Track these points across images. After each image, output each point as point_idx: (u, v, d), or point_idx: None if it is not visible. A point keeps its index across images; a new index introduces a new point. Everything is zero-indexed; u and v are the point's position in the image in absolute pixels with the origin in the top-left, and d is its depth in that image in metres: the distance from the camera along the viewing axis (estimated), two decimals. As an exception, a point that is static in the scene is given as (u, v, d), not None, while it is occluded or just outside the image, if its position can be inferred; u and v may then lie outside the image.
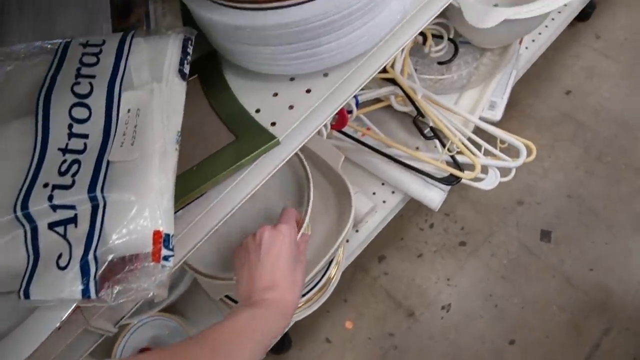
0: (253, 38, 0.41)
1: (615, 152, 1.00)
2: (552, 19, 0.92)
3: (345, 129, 0.76)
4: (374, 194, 0.79)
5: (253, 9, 0.38)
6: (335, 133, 0.76)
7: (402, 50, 0.78)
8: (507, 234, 0.96)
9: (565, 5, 0.86)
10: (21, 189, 0.34)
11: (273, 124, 0.45)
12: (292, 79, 0.47)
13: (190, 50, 0.41)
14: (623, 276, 0.88)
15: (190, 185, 0.38)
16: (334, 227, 0.68)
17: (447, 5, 0.50)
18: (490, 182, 0.69)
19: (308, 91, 0.46)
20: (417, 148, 0.79)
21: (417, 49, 0.81)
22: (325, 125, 0.73)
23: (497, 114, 0.79)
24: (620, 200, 0.95)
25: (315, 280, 0.70)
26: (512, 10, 0.68)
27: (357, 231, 0.78)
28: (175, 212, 0.35)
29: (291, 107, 0.45)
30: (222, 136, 0.44)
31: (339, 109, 0.48)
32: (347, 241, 0.78)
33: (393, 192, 0.79)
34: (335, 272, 0.72)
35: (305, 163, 0.61)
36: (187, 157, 0.39)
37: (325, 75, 0.46)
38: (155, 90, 0.37)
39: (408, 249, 0.99)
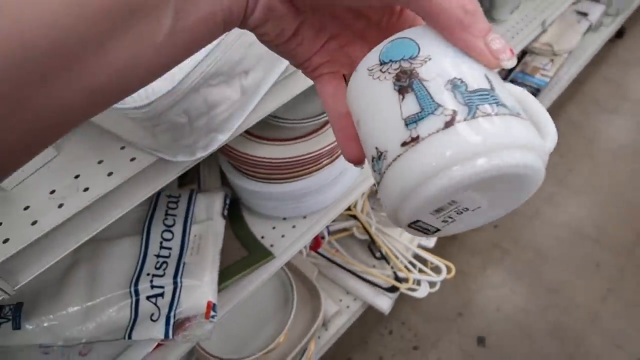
0: (263, 197, 0.75)
1: (531, 273, 1.32)
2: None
3: (320, 250, 1.07)
4: (340, 300, 1.08)
5: (265, 182, 0.73)
6: (312, 252, 1.07)
7: (363, 194, 1.14)
8: (450, 340, 1.22)
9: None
10: (133, 275, 0.63)
11: (271, 245, 0.76)
12: (284, 219, 0.80)
13: (228, 202, 0.74)
14: (541, 377, 1.13)
15: (223, 279, 0.68)
16: (307, 323, 0.95)
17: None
18: (422, 292, 0.99)
19: (293, 227, 0.79)
20: (374, 266, 1.10)
21: (373, 194, 1.16)
22: (305, 247, 1.04)
23: (431, 242, 1.12)
24: (538, 312, 1.24)
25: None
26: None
27: (326, 329, 1.05)
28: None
29: (283, 236, 0.78)
30: (240, 251, 0.75)
31: (314, 236, 0.81)
32: (319, 337, 1.04)
33: (355, 300, 1.07)
34: (307, 363, 0.97)
35: (290, 275, 0.91)
36: (221, 263, 0.70)
37: (304, 217, 0.80)
38: (210, 225, 0.69)
39: (371, 352, 1.23)
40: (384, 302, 1.03)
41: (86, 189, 0.45)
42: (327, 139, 0.70)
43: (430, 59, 0.21)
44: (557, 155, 1.59)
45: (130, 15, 0.19)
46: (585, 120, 1.70)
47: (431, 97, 0.20)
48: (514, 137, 0.19)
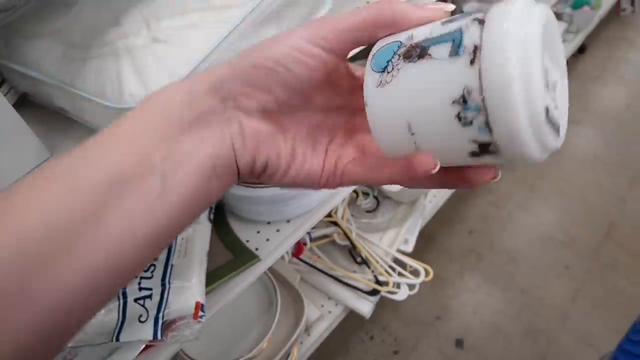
0: (249, 201, 0.77)
1: (505, 277, 1.37)
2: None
3: (302, 257, 1.09)
4: (322, 305, 1.10)
5: (251, 186, 0.75)
6: (295, 259, 1.09)
7: (343, 201, 1.17)
8: (429, 344, 1.25)
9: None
10: (121, 280, 0.64)
11: (256, 249, 0.78)
12: (268, 223, 0.82)
13: (213, 206, 0.76)
14: (517, 376, 1.17)
15: (210, 282, 0.70)
16: (290, 328, 0.97)
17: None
18: (402, 294, 1.02)
19: (278, 231, 0.81)
20: (355, 271, 1.12)
21: (353, 201, 1.20)
22: (287, 252, 1.06)
23: (409, 247, 1.16)
24: (513, 313, 1.29)
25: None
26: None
27: (308, 335, 1.06)
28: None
29: (267, 239, 0.80)
30: (226, 255, 0.77)
31: (298, 239, 0.83)
32: (301, 343, 1.06)
33: (336, 305, 1.10)
34: (290, 368, 0.98)
35: (273, 280, 0.93)
36: (207, 267, 0.71)
37: (288, 221, 0.82)
38: (196, 228, 0.70)
39: (352, 358, 1.25)
40: (365, 306, 1.05)
41: (81, 189, 0.47)
42: (310, 144, 0.73)
43: (413, 34, 0.22)
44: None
45: (121, 187, 0.20)
46: (552, 131, 1.79)
47: (447, 33, 0.21)
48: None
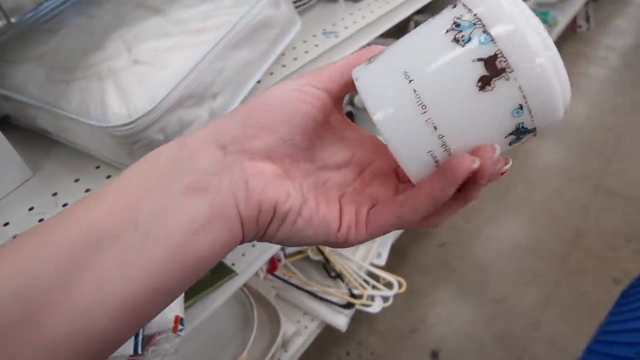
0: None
1: (477, 287, 1.44)
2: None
3: (277, 273, 1.13)
4: (298, 321, 1.13)
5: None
6: (270, 276, 1.13)
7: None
8: (406, 357, 1.30)
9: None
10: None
11: (233, 264, 0.82)
12: (243, 238, 0.86)
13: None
14: (492, 384, 1.23)
15: (188, 297, 0.73)
16: (267, 343, 1.00)
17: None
18: (376, 307, 1.07)
19: (253, 246, 0.85)
20: (329, 286, 1.17)
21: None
22: (262, 269, 1.10)
23: (382, 261, 1.21)
24: (485, 323, 1.36)
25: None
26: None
27: (285, 351, 1.10)
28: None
29: (243, 254, 0.84)
30: (202, 271, 0.80)
31: (273, 254, 0.87)
32: (279, 359, 1.08)
33: (312, 320, 1.13)
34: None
35: (250, 296, 0.96)
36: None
37: (263, 235, 0.86)
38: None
39: (330, 375, 1.28)
40: (340, 320, 1.09)
41: (65, 205, 0.50)
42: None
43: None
44: (494, 176, 1.77)
45: (95, 245, 0.19)
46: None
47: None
48: None
